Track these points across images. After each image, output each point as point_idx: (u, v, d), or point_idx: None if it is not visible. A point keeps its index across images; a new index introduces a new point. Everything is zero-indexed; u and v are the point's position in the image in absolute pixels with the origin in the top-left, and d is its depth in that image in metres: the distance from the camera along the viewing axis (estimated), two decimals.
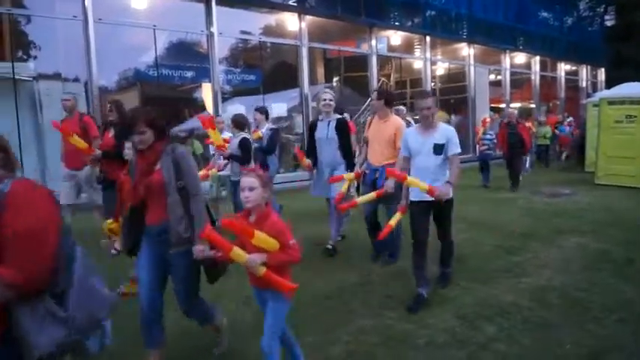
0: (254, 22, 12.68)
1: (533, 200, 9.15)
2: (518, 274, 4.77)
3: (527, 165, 13.16)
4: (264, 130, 6.47)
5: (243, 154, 5.77)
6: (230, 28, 11.53)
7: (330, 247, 5.62)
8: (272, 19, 13.07)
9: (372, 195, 4.71)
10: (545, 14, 21.93)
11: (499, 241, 6.07)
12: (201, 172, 6.74)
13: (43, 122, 9.14)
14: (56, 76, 9.81)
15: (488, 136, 11.12)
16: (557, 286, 4.42)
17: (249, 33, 12.53)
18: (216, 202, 7.07)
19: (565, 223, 7.02)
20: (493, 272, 4.85)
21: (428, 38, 16.01)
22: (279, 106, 12.73)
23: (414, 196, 4.10)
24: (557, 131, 15.95)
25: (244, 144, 5.79)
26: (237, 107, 11.78)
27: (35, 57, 9.80)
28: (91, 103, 9.39)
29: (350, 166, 5.43)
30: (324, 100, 5.42)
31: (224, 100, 11.38)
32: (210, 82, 11.20)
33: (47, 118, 9.19)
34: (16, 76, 8.72)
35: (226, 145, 5.83)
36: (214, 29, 10.95)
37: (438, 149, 3.93)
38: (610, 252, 5.47)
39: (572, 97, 23.56)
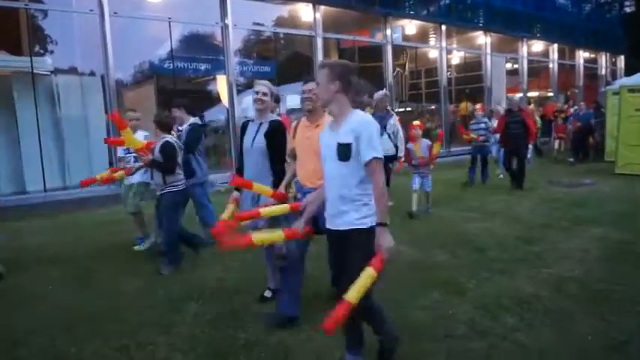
0: (268, 14, 12.68)
1: (553, 190, 9.02)
2: (538, 265, 4.72)
3: (529, 155, 10.76)
4: (185, 126, 5.53)
5: (166, 161, 4.81)
6: (244, 19, 11.54)
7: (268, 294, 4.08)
8: (286, 9, 13.05)
9: (285, 207, 3.28)
10: (562, 1, 21.52)
11: (518, 231, 6.01)
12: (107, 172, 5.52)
13: (62, 115, 9.28)
14: (73, 70, 9.93)
15: (482, 125, 9.74)
16: (577, 276, 4.37)
17: (263, 24, 12.52)
18: (136, 215, 5.78)
19: (585, 213, 6.92)
20: (512, 262, 4.81)
21: (443, 27, 15.85)
22: (293, 97, 12.69)
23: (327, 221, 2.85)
24: (558, 117, 14.39)
25: (166, 148, 4.82)
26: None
27: (52, 51, 9.89)
28: (107, 96, 9.50)
29: (277, 185, 3.83)
30: (256, 93, 3.87)
31: (239, 91, 11.41)
32: (225, 73, 11.24)
33: (65, 112, 9.34)
34: (35, 71, 8.84)
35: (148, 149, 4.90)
36: (229, 21, 10.96)
37: (342, 152, 2.61)
38: (631, 243, 5.37)
39: (590, 85, 23.15)
